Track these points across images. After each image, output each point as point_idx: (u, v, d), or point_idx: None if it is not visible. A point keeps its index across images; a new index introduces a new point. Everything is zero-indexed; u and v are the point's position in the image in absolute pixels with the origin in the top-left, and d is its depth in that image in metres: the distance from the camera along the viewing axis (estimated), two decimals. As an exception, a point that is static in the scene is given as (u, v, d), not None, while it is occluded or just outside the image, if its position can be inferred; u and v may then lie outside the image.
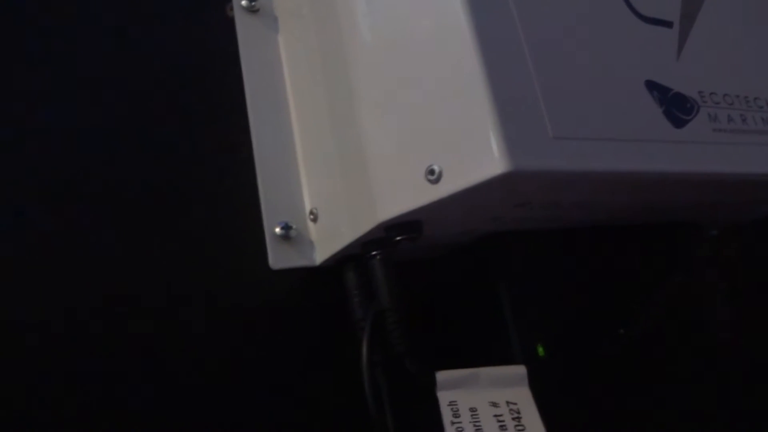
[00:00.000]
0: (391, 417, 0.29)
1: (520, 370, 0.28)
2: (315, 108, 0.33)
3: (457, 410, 0.26)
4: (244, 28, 0.35)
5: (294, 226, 0.32)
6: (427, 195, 0.25)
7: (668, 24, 0.31)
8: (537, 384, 0.29)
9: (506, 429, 0.25)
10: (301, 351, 0.31)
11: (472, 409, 0.26)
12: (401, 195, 0.26)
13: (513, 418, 0.26)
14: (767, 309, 0.43)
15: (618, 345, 0.31)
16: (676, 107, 0.29)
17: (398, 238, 0.27)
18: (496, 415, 0.26)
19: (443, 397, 0.27)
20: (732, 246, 0.42)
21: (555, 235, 0.33)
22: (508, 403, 0.26)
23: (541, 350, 0.30)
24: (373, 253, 0.29)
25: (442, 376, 0.28)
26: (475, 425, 0.26)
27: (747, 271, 0.43)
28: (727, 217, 0.41)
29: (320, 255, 0.32)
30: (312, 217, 0.32)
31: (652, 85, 0.29)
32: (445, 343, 0.32)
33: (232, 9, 0.35)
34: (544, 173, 0.23)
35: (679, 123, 0.28)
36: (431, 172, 0.25)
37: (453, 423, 0.26)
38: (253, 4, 0.36)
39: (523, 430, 0.25)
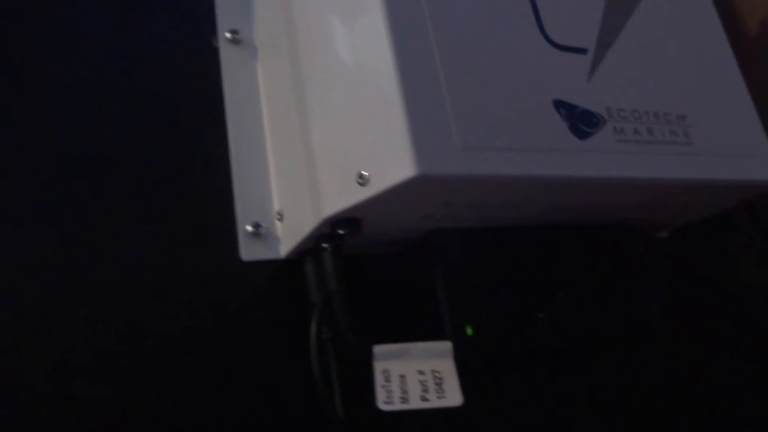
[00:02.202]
0: (338, 385, 0.34)
1: (446, 345, 0.33)
2: (283, 124, 0.38)
3: (389, 376, 0.31)
4: (228, 56, 0.41)
5: (263, 225, 0.37)
6: (358, 195, 0.30)
7: (582, 51, 0.36)
8: (464, 360, 0.34)
9: (428, 392, 0.30)
10: (267, 331, 0.36)
11: (402, 376, 0.31)
12: (340, 195, 0.31)
13: (435, 384, 0.31)
14: (704, 309, 0.47)
15: (537, 328, 0.35)
16: (582, 122, 0.34)
17: (341, 232, 0.32)
18: (421, 381, 0.31)
19: (378, 366, 0.32)
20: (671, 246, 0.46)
21: (493, 231, 0.37)
22: (432, 371, 0.31)
23: (469, 330, 0.35)
24: (324, 245, 0.34)
25: (378, 348, 0.33)
26: (402, 388, 0.31)
27: (686, 271, 0.47)
28: (674, 220, 0.45)
29: (285, 249, 0.37)
30: (279, 216, 0.38)
31: (559, 104, 0.33)
32: (390, 325, 0.37)
33: (216, 40, 0.41)
34: (450, 178, 0.28)
35: (583, 135, 0.33)
36: (361, 176, 0.30)
37: (383, 386, 0.31)
38: (235, 36, 0.41)
39: (443, 394, 0.30)
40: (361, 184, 0.30)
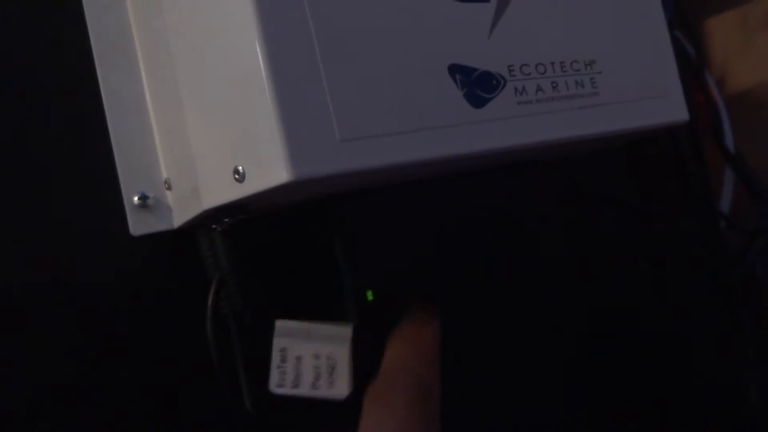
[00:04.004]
0: (242, 365, 0.34)
1: (347, 330, 0.33)
2: (160, 81, 0.34)
3: (285, 356, 0.31)
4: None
5: (151, 195, 0.35)
6: (235, 192, 0.28)
7: (485, -1, 0.32)
8: (365, 326, 0.34)
9: (320, 379, 0.31)
10: (167, 303, 0.36)
11: (298, 358, 0.31)
12: (217, 189, 0.29)
13: (327, 372, 0.31)
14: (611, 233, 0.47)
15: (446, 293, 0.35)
16: (480, 87, 0.31)
17: (226, 219, 0.31)
18: (315, 366, 0.31)
19: (277, 343, 0.32)
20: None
21: (393, 190, 0.36)
22: (327, 357, 0.31)
23: (370, 295, 0.35)
24: (213, 226, 0.32)
25: (280, 324, 0.32)
26: (295, 372, 0.31)
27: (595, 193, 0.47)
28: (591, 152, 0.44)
29: (177, 220, 0.35)
30: (167, 186, 0.35)
31: (455, 69, 0.31)
32: (293, 294, 0.36)
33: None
34: (330, 176, 0.27)
35: (479, 103, 0.31)
36: (237, 172, 0.28)
37: (279, 367, 0.31)
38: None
39: (332, 384, 0.31)
40: (238, 181, 0.28)
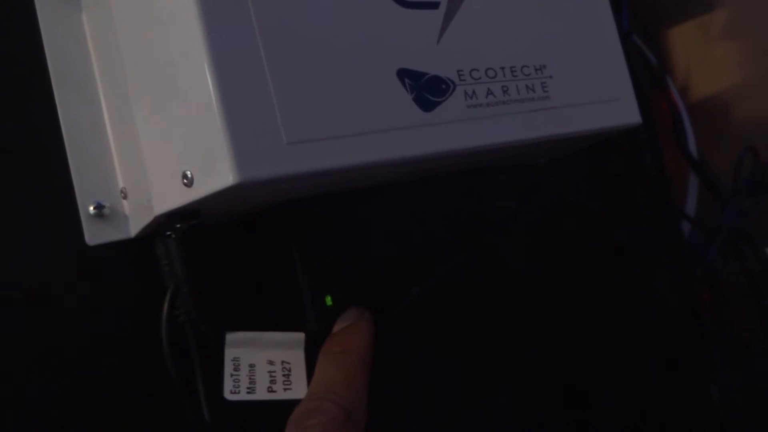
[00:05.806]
0: (200, 374, 0.34)
1: (299, 335, 0.33)
2: (114, 92, 0.35)
3: (238, 365, 0.31)
4: (44, 7, 0.36)
5: (107, 205, 0.35)
6: (184, 197, 0.28)
7: (434, 5, 0.33)
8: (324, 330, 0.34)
9: (275, 383, 0.31)
10: (124, 313, 0.35)
11: (251, 365, 0.31)
12: (168, 194, 0.29)
13: (283, 375, 0.31)
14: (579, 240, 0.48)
15: (411, 301, 0.36)
16: (429, 91, 0.32)
17: (178, 225, 0.31)
18: (270, 371, 0.31)
19: (228, 353, 0.32)
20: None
21: (351, 195, 0.36)
22: (282, 362, 0.32)
23: (329, 299, 0.35)
24: (168, 233, 0.32)
25: (231, 335, 0.33)
26: (250, 378, 0.31)
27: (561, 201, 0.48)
28: (550, 156, 0.44)
29: (134, 228, 0.35)
30: (123, 194, 0.35)
31: (404, 73, 0.31)
32: (251, 302, 0.36)
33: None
34: (277, 179, 0.27)
35: (429, 106, 0.31)
36: (185, 176, 0.28)
37: (232, 375, 0.31)
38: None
39: (290, 385, 0.31)
40: (187, 185, 0.28)
